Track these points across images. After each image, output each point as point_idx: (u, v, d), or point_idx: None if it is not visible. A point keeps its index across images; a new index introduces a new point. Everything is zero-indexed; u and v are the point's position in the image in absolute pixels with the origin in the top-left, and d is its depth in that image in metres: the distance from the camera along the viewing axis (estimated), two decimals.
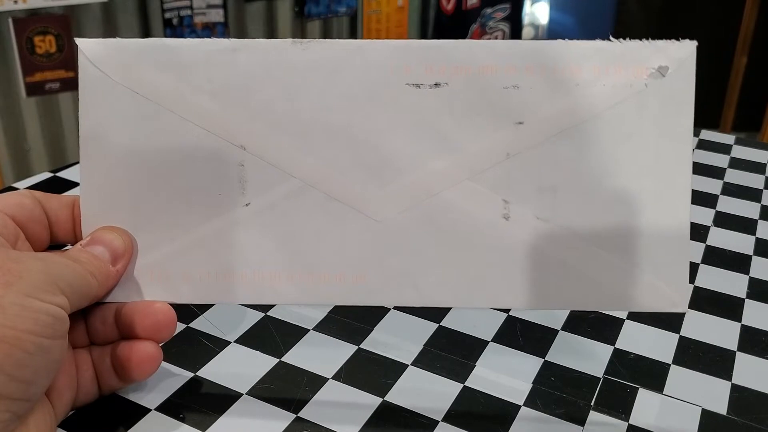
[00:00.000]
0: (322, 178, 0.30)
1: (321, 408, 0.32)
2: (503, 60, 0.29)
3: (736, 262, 0.44)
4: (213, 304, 0.38)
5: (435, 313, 0.38)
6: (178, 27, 1.67)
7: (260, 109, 0.30)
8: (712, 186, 0.55)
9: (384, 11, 2.10)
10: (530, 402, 0.32)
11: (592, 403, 0.33)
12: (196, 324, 0.36)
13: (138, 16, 1.63)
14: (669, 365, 0.35)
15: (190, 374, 0.33)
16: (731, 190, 0.54)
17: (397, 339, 0.36)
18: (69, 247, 0.31)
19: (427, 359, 0.35)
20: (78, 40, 0.30)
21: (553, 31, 2.66)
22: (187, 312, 0.37)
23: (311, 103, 0.30)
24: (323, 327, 0.37)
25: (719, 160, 0.59)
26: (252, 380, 0.33)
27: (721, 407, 0.33)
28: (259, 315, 0.37)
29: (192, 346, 0.35)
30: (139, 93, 0.30)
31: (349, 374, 0.34)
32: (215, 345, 0.35)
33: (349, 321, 0.37)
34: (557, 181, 0.30)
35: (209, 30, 1.72)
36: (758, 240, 0.47)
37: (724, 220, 0.50)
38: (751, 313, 0.40)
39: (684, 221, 0.30)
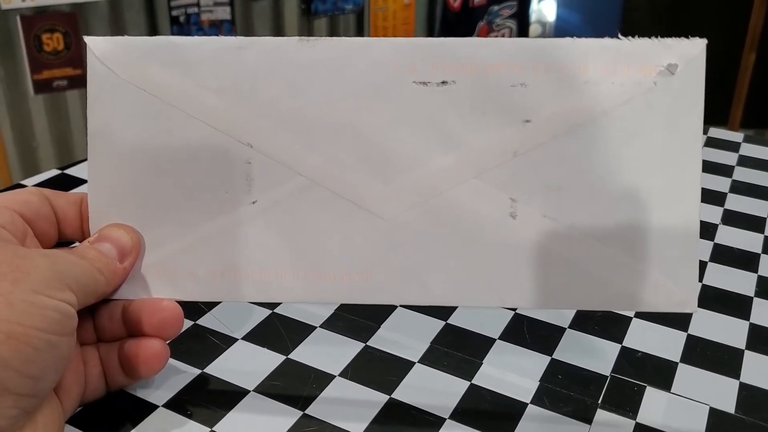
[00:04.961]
0: (328, 175, 0.30)
1: (328, 405, 0.32)
2: (510, 58, 0.29)
3: (745, 261, 0.44)
4: (220, 302, 0.38)
5: (442, 311, 0.38)
6: (185, 24, 1.68)
7: (266, 106, 0.30)
8: (721, 184, 0.54)
9: (391, 8, 2.09)
10: (537, 400, 0.32)
11: (600, 402, 0.33)
12: (203, 321, 0.37)
13: (145, 14, 1.64)
14: (677, 363, 0.35)
15: (198, 371, 0.33)
16: (740, 188, 0.54)
17: (404, 336, 0.36)
18: (77, 244, 0.31)
19: (434, 357, 0.35)
20: (87, 38, 0.30)
21: (560, 29, 2.65)
22: (194, 309, 0.37)
23: (317, 101, 0.30)
24: (330, 324, 0.37)
25: (727, 157, 0.59)
26: (259, 377, 0.33)
27: (729, 406, 0.33)
28: (266, 312, 0.37)
29: (199, 343, 0.35)
30: (146, 90, 0.30)
31: (356, 371, 0.34)
32: (222, 342, 0.35)
33: (356, 318, 0.37)
34: (565, 180, 0.30)
35: (216, 27, 1.72)
36: (767, 238, 0.47)
37: (733, 218, 0.49)
38: (760, 311, 0.39)
39: (693, 220, 0.30)
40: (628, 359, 0.35)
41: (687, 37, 0.29)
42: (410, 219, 0.30)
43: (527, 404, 0.32)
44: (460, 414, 0.31)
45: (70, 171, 0.51)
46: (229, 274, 0.31)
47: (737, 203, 0.51)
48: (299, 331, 0.36)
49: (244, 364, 0.34)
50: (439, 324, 0.37)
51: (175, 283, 0.31)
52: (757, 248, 0.46)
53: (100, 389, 0.31)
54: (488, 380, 0.33)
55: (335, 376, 0.33)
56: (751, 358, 0.36)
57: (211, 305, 0.38)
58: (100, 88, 0.30)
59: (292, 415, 0.31)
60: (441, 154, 0.30)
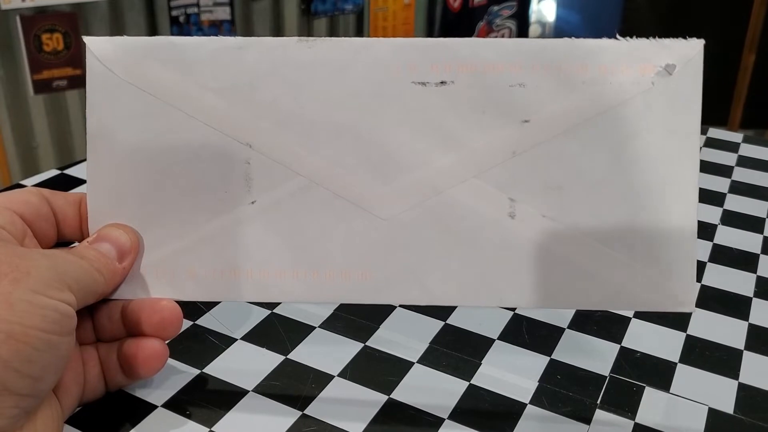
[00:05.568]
0: (327, 176, 0.30)
1: (327, 405, 0.32)
2: (509, 58, 0.29)
3: (744, 261, 0.44)
4: (219, 302, 0.38)
5: (441, 311, 0.38)
6: (185, 25, 1.68)
7: (266, 106, 0.30)
8: (720, 184, 0.54)
9: (391, 9, 2.09)
10: (536, 400, 0.32)
11: (599, 402, 0.33)
12: (202, 321, 0.37)
13: (145, 14, 1.64)
14: (675, 364, 0.35)
15: (197, 371, 0.33)
16: (739, 188, 0.54)
17: (403, 337, 0.36)
18: (76, 244, 0.31)
19: (433, 357, 0.35)
20: (86, 38, 0.30)
21: (560, 29, 2.65)
22: (193, 309, 0.37)
23: (317, 101, 0.30)
24: (329, 324, 0.37)
25: (727, 158, 0.59)
26: (258, 377, 0.33)
27: (727, 406, 0.33)
28: (266, 312, 0.37)
29: (198, 343, 0.35)
30: (146, 91, 0.30)
31: (355, 371, 0.34)
32: (221, 342, 0.35)
33: (356, 318, 0.37)
34: (563, 180, 0.30)
35: (216, 28, 1.72)
36: (766, 239, 0.47)
37: (732, 219, 0.49)
38: (759, 311, 0.39)
39: (691, 220, 0.30)
40: (627, 359, 0.35)
41: (686, 37, 0.29)
42: (410, 219, 0.30)
43: (526, 404, 0.32)
44: (459, 414, 0.32)
45: (69, 171, 0.51)
46: (228, 274, 0.31)
47: (736, 203, 0.51)
48: (298, 331, 0.36)
49: (243, 364, 0.34)
50: (438, 324, 0.37)
51: (175, 283, 0.31)
52: (756, 248, 0.46)
53: (99, 389, 0.31)
54: (487, 380, 0.33)
55: (334, 376, 0.33)
56: (750, 359, 0.36)
57: (210, 305, 0.38)
58: (99, 89, 0.30)
59: (291, 415, 0.31)
60: (440, 154, 0.30)
